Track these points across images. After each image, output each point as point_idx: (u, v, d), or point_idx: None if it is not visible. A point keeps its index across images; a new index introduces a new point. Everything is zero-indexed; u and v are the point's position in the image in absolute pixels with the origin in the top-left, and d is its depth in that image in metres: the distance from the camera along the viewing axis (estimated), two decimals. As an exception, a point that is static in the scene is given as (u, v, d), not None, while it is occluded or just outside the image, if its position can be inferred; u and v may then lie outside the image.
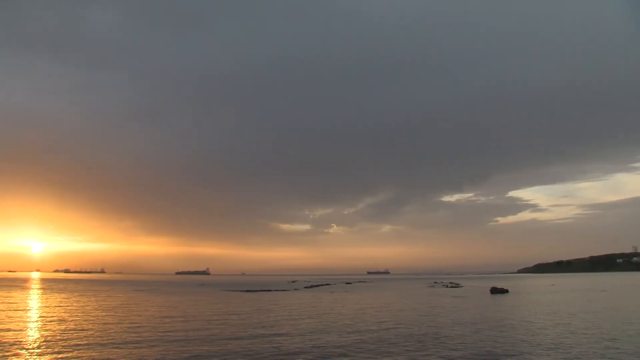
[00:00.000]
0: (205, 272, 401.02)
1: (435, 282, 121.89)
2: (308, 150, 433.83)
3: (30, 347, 19.33)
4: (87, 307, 39.02)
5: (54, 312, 34.12)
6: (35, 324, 26.87)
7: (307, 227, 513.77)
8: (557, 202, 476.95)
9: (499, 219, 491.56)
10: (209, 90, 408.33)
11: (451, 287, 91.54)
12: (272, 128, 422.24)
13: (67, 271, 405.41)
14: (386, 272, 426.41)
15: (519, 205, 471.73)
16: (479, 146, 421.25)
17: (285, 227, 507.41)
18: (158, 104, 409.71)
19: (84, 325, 26.21)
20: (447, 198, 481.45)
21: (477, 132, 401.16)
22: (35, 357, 17.36)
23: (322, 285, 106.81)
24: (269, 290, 75.97)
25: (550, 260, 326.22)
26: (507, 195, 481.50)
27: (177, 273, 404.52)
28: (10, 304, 40.85)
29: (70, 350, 18.64)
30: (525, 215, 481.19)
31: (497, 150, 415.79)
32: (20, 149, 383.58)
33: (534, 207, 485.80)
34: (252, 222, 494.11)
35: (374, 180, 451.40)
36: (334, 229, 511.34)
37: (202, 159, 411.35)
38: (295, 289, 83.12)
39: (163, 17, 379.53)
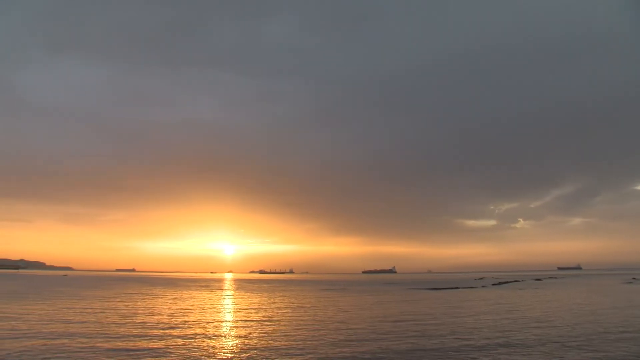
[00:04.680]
0: (391, 271, 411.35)
1: (634, 278, 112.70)
2: (493, 143, 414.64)
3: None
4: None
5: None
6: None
7: (492, 222, 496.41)
8: None
9: None
10: (392, 90, 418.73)
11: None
12: (457, 122, 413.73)
13: (262, 272, 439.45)
14: (578, 268, 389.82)
15: None
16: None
17: (471, 223, 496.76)
18: (342, 106, 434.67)
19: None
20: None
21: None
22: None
23: (510, 282, 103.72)
24: (457, 288, 74.17)
25: None
26: None
27: (364, 272, 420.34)
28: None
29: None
30: None
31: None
32: (212, 159, 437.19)
33: None
34: (437, 219, 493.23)
35: (561, 170, 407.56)
36: (521, 223, 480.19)
37: (387, 158, 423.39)
38: (482, 286, 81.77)
39: (341, 22, 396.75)
